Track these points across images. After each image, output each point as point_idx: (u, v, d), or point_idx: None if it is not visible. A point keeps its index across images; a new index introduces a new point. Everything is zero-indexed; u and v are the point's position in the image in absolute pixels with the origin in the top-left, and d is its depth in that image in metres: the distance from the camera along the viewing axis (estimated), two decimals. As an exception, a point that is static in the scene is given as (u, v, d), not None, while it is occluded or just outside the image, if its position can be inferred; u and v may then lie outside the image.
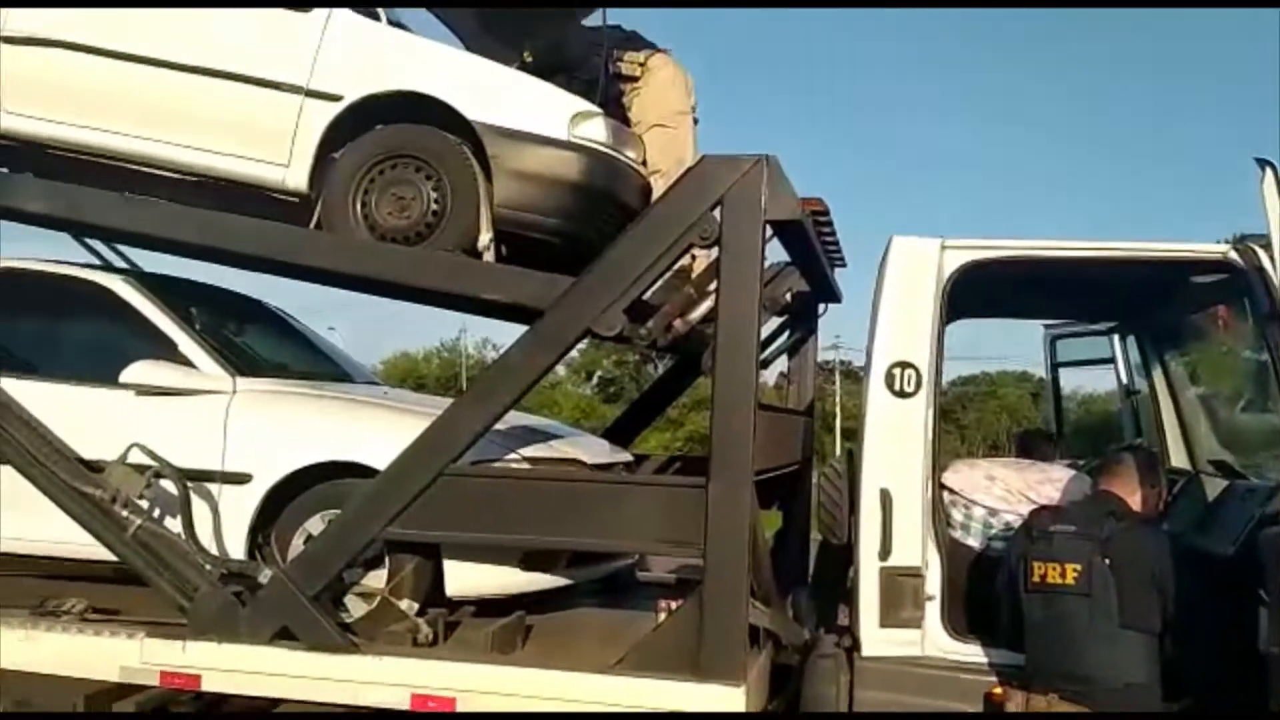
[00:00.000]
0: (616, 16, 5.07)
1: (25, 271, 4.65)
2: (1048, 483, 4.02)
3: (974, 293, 3.95)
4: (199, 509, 4.03)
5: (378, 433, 4.11)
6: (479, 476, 3.89)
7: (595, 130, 4.35)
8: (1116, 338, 5.54)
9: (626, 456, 5.10)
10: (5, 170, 4.80)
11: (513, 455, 4.18)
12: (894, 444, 3.79)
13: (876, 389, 3.79)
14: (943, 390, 4.06)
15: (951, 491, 3.98)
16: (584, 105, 4.42)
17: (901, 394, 3.77)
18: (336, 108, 4.28)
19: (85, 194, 4.31)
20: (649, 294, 3.89)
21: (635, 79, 4.89)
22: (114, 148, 4.43)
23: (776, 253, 4.38)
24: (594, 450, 4.76)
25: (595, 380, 44.72)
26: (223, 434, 4.16)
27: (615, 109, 4.77)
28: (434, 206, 4.27)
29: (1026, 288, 4.60)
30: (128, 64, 4.36)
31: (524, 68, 4.69)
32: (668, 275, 3.91)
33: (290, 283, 5.05)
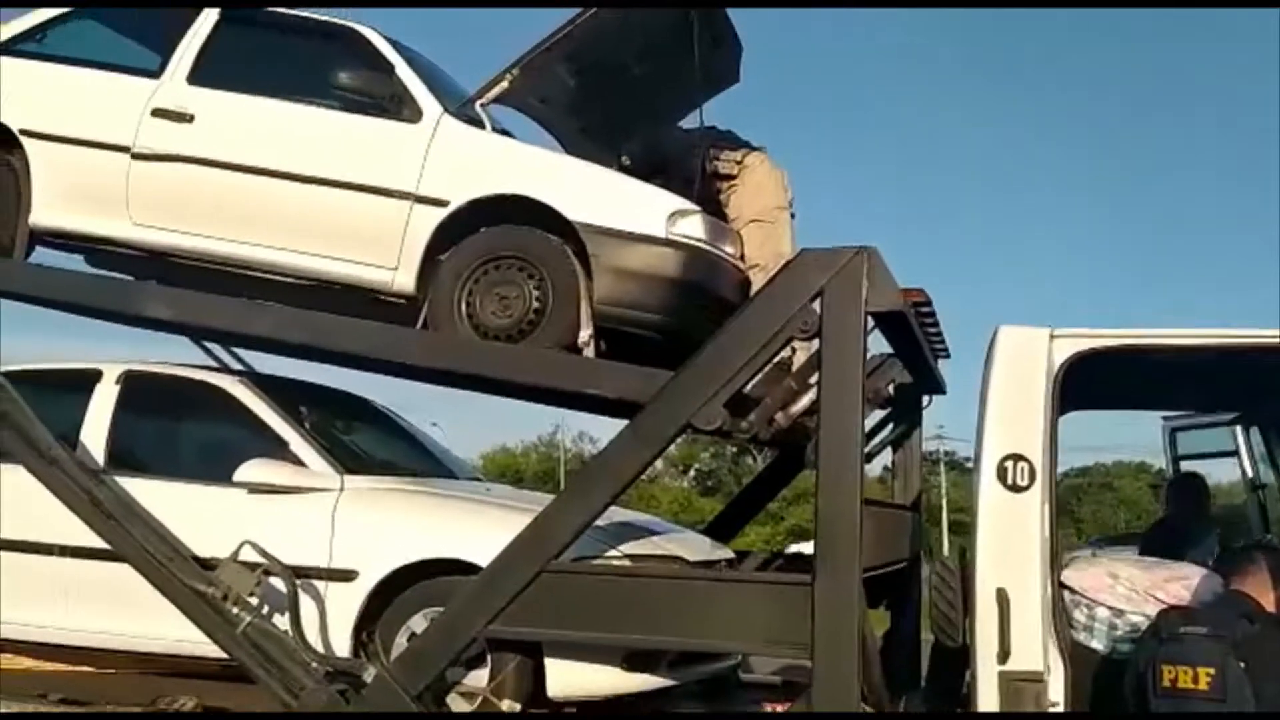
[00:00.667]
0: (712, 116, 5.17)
1: (146, 374, 4.85)
2: (1175, 581, 3.81)
3: (1087, 383, 3.82)
4: (306, 605, 4.08)
5: (480, 530, 4.13)
6: (580, 574, 3.87)
7: (692, 227, 4.41)
8: (1240, 429, 5.30)
9: (728, 553, 5.02)
10: (131, 277, 5.08)
11: (613, 552, 4.15)
12: (1009, 540, 3.64)
13: (988, 483, 3.67)
14: (1056, 482, 3.91)
15: (1072, 591, 3.79)
16: (681, 203, 4.49)
17: (1015, 488, 3.64)
18: (443, 212, 4.42)
19: (207, 300, 4.51)
20: (749, 387, 3.87)
21: (732, 177, 4.92)
22: (233, 255, 4.64)
23: (878, 344, 4.34)
24: (695, 547, 4.70)
25: (693, 474, 44.49)
26: (330, 531, 4.22)
27: (713, 206, 4.82)
28: (536, 305, 4.35)
29: (1142, 378, 4.44)
30: (246, 176, 4.58)
31: (623, 170, 4.79)
32: (768, 368, 3.89)
33: (388, 379, 5.20)
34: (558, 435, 43.90)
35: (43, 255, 5.06)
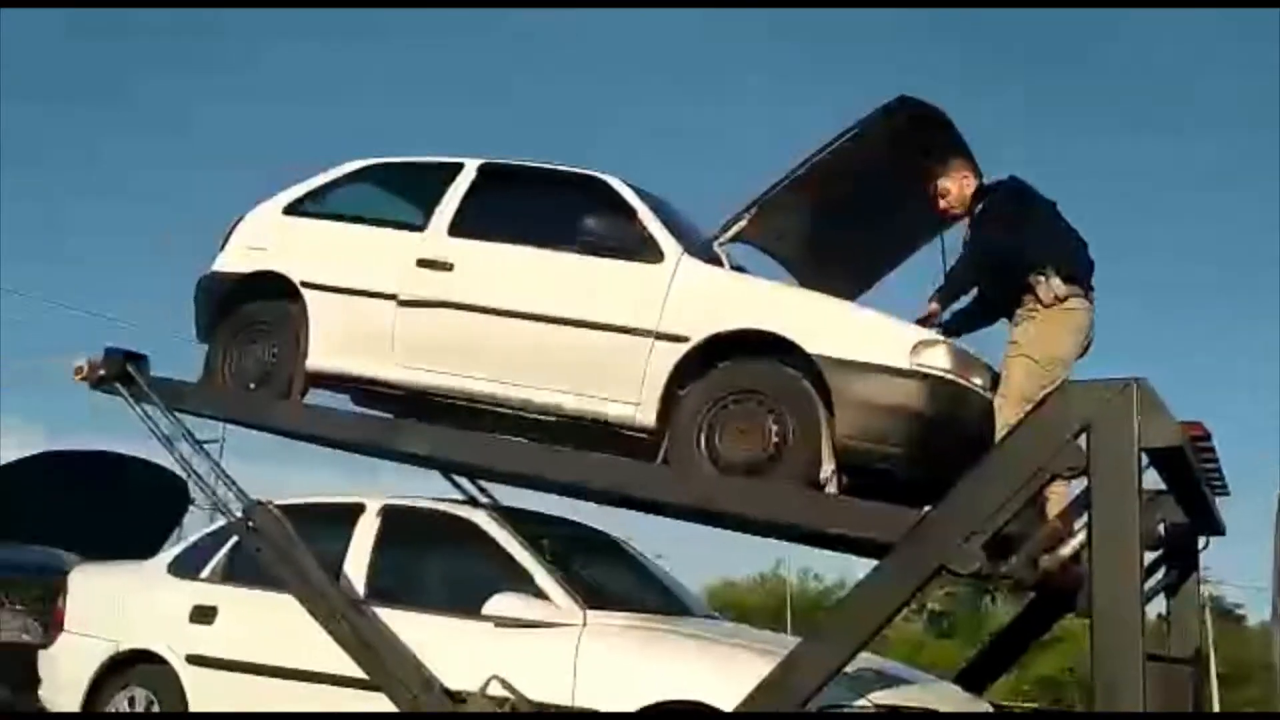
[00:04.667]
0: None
1: (404, 508, 5.09)
2: None
3: None
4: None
5: (724, 672, 4.02)
6: (830, 724, 3.68)
7: (938, 358, 4.27)
8: None
9: (985, 706, 4.68)
10: (391, 415, 5.40)
11: (861, 701, 3.94)
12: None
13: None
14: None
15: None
16: (925, 334, 4.37)
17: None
18: (683, 348, 4.49)
19: (461, 436, 4.72)
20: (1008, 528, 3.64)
21: (1043, 304, 4.37)
22: (487, 393, 4.85)
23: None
24: (949, 698, 4.41)
25: (925, 615, 42.29)
26: (573, 668, 4.21)
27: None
28: (775, 439, 4.30)
29: None
30: (501, 318, 4.83)
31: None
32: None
33: (597, 508, 5.23)
34: (780, 570, 42.94)
35: (314, 396, 5.48)
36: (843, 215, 5.07)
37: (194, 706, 4.86)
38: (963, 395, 4.36)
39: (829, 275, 5.14)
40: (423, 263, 5.05)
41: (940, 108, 4.72)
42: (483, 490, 5.91)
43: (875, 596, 3.65)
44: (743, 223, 4.80)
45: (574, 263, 4.82)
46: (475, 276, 4.94)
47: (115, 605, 5.31)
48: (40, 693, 5.46)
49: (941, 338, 4.42)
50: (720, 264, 4.76)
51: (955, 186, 4.68)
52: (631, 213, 4.84)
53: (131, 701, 5.02)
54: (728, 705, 3.79)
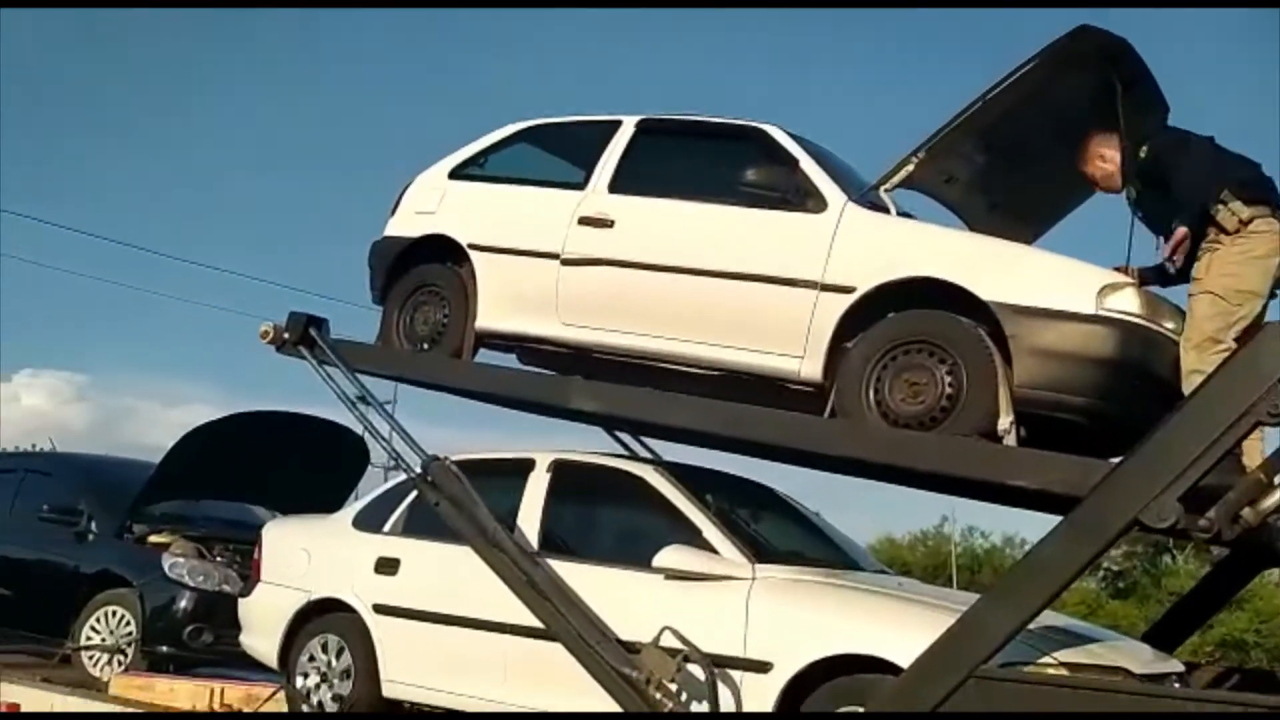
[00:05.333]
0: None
1: (573, 463, 5.18)
2: None
3: None
4: (722, 695, 4.08)
5: (900, 627, 3.96)
6: (1013, 681, 3.57)
7: (1126, 301, 4.04)
8: None
9: (1178, 666, 4.45)
10: (554, 373, 5.49)
11: (1046, 659, 3.81)
12: None
13: None
14: None
15: None
16: (1111, 276, 4.14)
17: None
18: (849, 299, 4.39)
19: (630, 393, 4.76)
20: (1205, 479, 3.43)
21: (1225, 231, 4.10)
22: (650, 349, 4.87)
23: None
24: (1140, 658, 4.20)
25: (1102, 573, 40.69)
26: (744, 620, 4.22)
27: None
28: (949, 391, 4.16)
29: None
30: (662, 274, 4.82)
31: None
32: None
33: (755, 464, 5.19)
34: (945, 527, 41.97)
35: (482, 355, 5.61)
36: (1017, 154, 4.85)
37: (380, 653, 5.10)
38: (1153, 340, 4.13)
39: (1003, 218, 4.93)
40: (584, 220, 5.08)
41: (1123, 38, 4.43)
42: (645, 446, 5.97)
43: (1063, 552, 3.50)
44: (909, 167, 4.62)
45: (735, 215, 4.76)
46: (636, 233, 4.94)
47: (306, 557, 5.60)
48: (241, 638, 5.84)
49: (1129, 280, 4.18)
50: (887, 211, 4.62)
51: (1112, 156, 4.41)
52: (793, 162, 4.74)
53: (324, 647, 5.30)
54: (904, 660, 3.73)
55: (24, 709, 6.14)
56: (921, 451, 4.14)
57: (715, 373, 4.83)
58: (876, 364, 4.31)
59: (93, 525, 6.92)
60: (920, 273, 4.30)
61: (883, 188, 4.65)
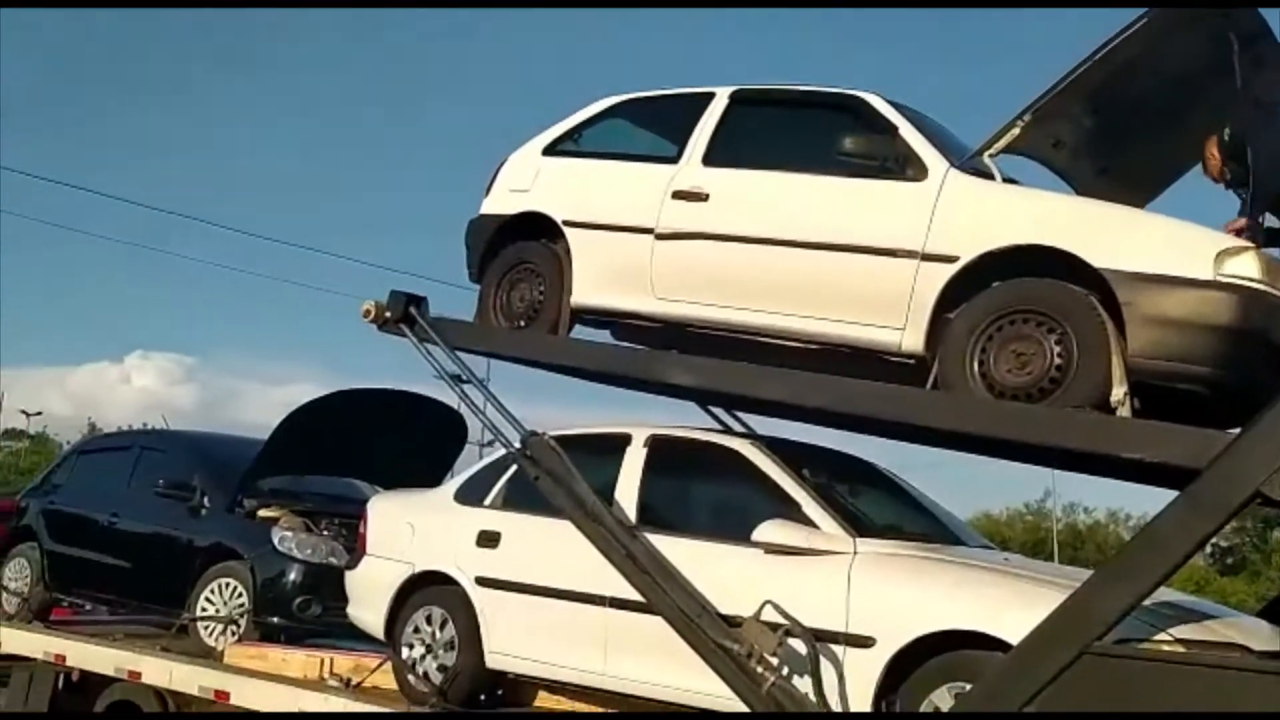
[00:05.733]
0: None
1: (669, 437, 5.18)
2: None
3: None
4: (824, 669, 4.06)
5: (1007, 603, 3.88)
6: (1129, 658, 3.47)
7: (1245, 266, 3.87)
8: None
9: (1300, 645, 4.27)
10: (645, 348, 5.48)
11: (1161, 636, 3.69)
12: None
13: None
14: None
15: None
16: (1229, 240, 3.97)
17: None
18: (952, 269, 4.29)
19: (727, 367, 4.73)
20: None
21: None
22: (745, 323, 4.83)
23: None
24: (1259, 634, 4.05)
25: (1210, 549, 39.40)
26: (845, 595, 4.18)
27: None
28: (1058, 361, 4.05)
29: None
30: (758, 247, 4.77)
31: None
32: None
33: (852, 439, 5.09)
34: (1048, 503, 41.01)
35: (577, 331, 5.64)
36: (1128, 116, 4.67)
37: (483, 625, 5.19)
38: (1273, 306, 3.94)
39: (1113, 182, 4.77)
40: (678, 194, 5.05)
41: None
42: (739, 420, 5.95)
43: (1180, 526, 3.39)
44: (1014, 131, 4.49)
45: (833, 185, 4.69)
46: (731, 205, 4.90)
47: (410, 531, 5.72)
48: (348, 610, 6.00)
49: (1248, 244, 4.01)
50: (990, 177, 4.49)
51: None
52: (892, 129, 4.64)
53: (429, 618, 5.41)
54: (1013, 637, 3.66)
55: (145, 678, 6.42)
56: (1029, 424, 4.03)
57: (811, 346, 4.78)
58: (981, 335, 4.21)
59: (205, 500, 7.17)
60: (1027, 240, 4.18)
61: (986, 153, 4.53)
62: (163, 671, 6.33)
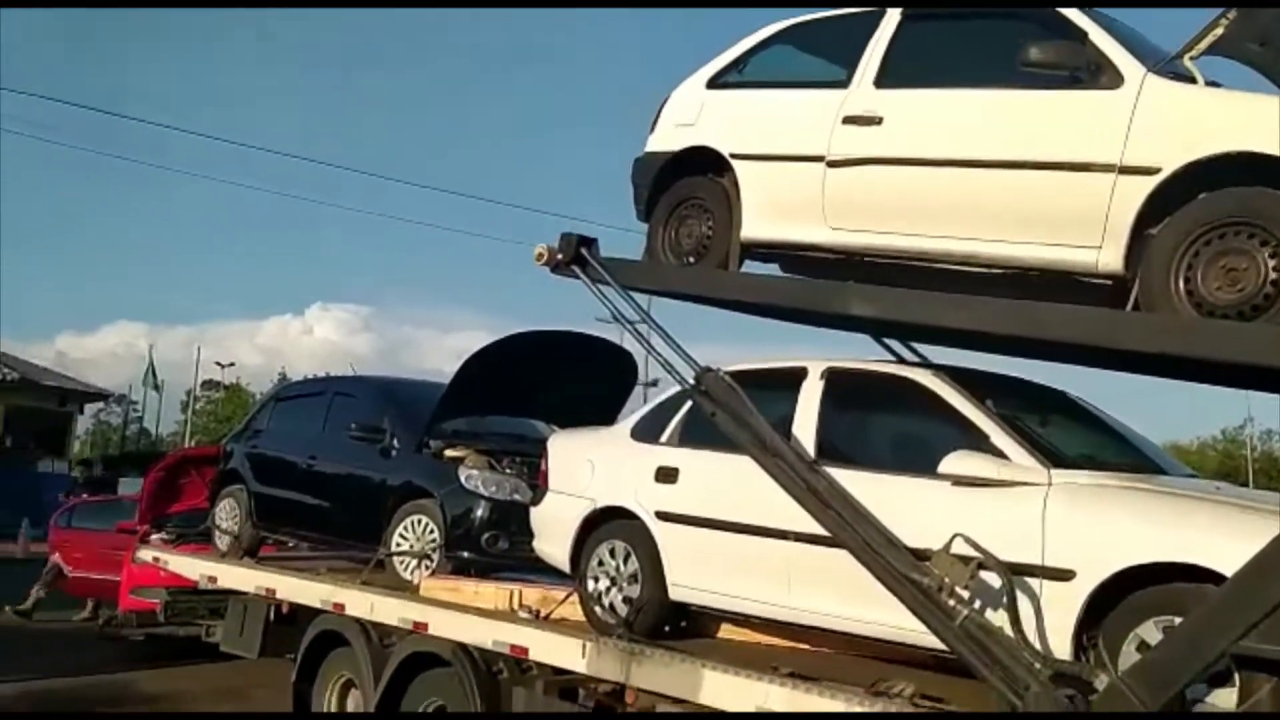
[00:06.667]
0: None
1: (847, 370, 5.09)
2: None
3: None
4: (1021, 603, 3.94)
5: (1220, 533, 3.68)
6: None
7: None
8: None
9: None
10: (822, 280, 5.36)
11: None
12: None
13: None
14: None
15: None
16: None
17: None
18: (1153, 181, 4.02)
19: (911, 296, 4.58)
20: None
21: None
22: (926, 249, 4.67)
23: None
24: None
25: None
26: (1040, 528, 4.04)
27: None
28: (1273, 276, 3.76)
29: None
30: (937, 169, 4.59)
31: None
32: None
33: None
34: (1246, 430, 38.61)
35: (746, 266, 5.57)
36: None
37: (665, 558, 5.27)
38: None
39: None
40: (849, 119, 4.89)
41: None
42: (914, 352, 5.79)
43: None
44: (1217, 30, 4.13)
45: (1018, 100, 4.44)
46: (907, 127, 4.71)
47: (590, 467, 5.84)
48: (534, 544, 6.20)
49: None
50: (1192, 81, 4.17)
51: None
52: (1081, 34, 4.35)
53: (612, 552, 5.53)
54: (1227, 568, 3.46)
55: (348, 610, 6.82)
56: (1244, 344, 3.76)
57: (996, 272, 4.59)
58: (1187, 250, 3.94)
59: (395, 442, 7.50)
60: (1235, 147, 3.87)
61: (1186, 56, 4.20)
62: (365, 604, 6.71)
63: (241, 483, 8.79)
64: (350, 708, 7.12)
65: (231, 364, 54.64)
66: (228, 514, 8.86)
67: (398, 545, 7.09)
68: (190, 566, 8.84)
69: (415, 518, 7.06)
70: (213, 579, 8.42)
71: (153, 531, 9.93)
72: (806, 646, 5.22)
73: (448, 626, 6.07)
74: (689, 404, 5.39)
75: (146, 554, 9.46)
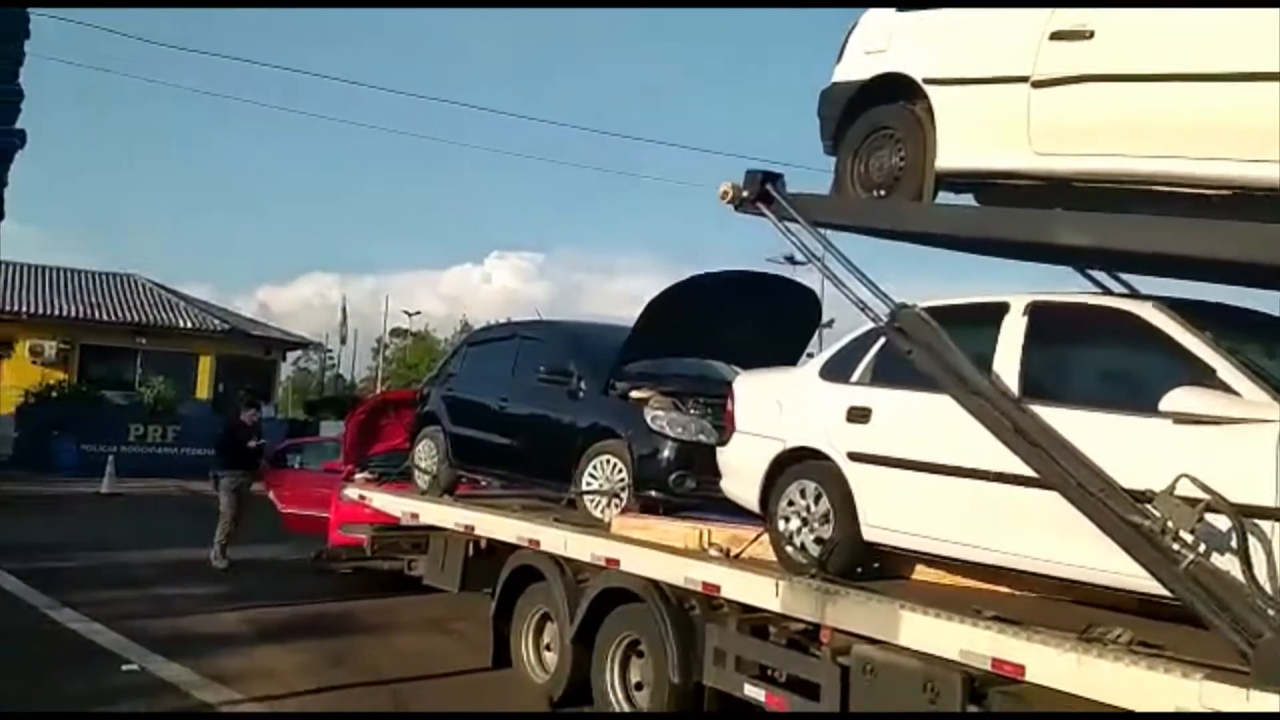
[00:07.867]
0: None
1: (1052, 304, 4.83)
2: None
3: None
4: (1252, 548, 3.68)
5: None
6: None
7: None
8: None
9: None
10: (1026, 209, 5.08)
11: None
12: None
13: None
14: None
15: None
16: None
17: None
18: None
19: (1127, 221, 4.31)
20: None
21: None
22: (1142, 171, 4.36)
23: None
24: None
25: None
26: (1275, 468, 3.75)
27: None
28: None
29: None
30: (1157, 84, 4.26)
31: None
32: None
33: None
34: None
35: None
36: None
37: (858, 498, 5.18)
38: None
39: None
40: (1057, 35, 4.60)
41: None
42: (1122, 283, 5.45)
43: None
44: None
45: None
46: (1123, 40, 4.39)
47: (777, 408, 5.79)
48: (722, 484, 6.21)
49: None
50: None
51: None
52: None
53: (803, 492, 5.47)
54: None
55: (543, 546, 7.04)
56: None
57: (1220, 193, 4.24)
58: None
59: (581, 384, 7.64)
60: None
61: None
62: (559, 540, 6.91)
63: (438, 424, 9.14)
64: (546, 640, 7.38)
65: (418, 312, 56.95)
66: (426, 454, 9.25)
67: (587, 484, 7.23)
68: (393, 503, 9.30)
69: (604, 458, 7.18)
70: (414, 515, 8.84)
71: (356, 471, 10.50)
72: (1005, 589, 5.05)
73: (639, 563, 6.17)
74: (880, 342, 5.25)
75: (352, 492, 10.01)
